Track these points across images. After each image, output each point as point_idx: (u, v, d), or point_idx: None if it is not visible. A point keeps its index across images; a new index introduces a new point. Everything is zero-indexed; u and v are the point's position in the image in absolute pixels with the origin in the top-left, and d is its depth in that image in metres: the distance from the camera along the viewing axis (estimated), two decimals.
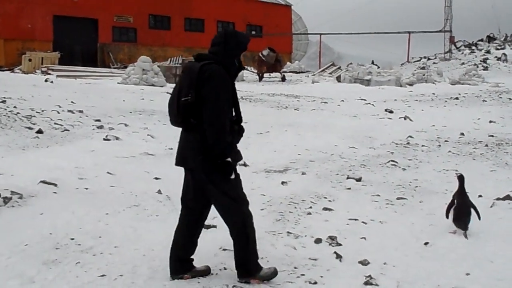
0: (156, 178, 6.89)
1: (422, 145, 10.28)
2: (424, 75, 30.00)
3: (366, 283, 3.89)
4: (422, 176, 7.65)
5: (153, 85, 21.25)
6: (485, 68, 38.54)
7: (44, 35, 34.29)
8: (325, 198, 6.33)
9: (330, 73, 32.45)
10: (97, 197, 5.87)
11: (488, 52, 45.62)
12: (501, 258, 4.40)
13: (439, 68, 35.68)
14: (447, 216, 5.24)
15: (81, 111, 11.64)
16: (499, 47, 47.56)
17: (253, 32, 46.25)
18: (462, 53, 47.20)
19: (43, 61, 28.31)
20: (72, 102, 12.99)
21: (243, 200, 3.80)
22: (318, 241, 4.77)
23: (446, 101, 19.02)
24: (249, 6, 46.39)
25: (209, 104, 3.58)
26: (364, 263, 4.28)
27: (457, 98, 19.74)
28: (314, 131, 11.70)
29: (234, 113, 3.80)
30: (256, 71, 31.02)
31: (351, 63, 36.29)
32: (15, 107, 11.12)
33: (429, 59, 46.84)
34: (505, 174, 7.83)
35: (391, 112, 15.58)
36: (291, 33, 51.76)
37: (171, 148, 8.96)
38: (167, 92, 18.26)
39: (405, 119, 14.08)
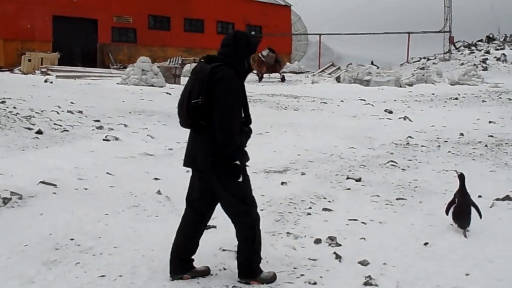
0: (156, 179, 6.89)
1: (422, 146, 10.28)
2: (423, 75, 30.00)
3: (365, 284, 3.89)
4: (422, 177, 7.65)
5: (152, 85, 21.22)
6: (485, 69, 38.56)
7: (44, 36, 34.29)
8: (324, 198, 6.33)
9: (329, 74, 32.44)
10: (97, 198, 5.87)
11: (487, 52, 45.65)
12: (501, 258, 4.40)
13: (438, 69, 35.68)
14: (447, 213, 5.29)
15: (80, 112, 11.63)
16: (498, 48, 47.59)
17: (253, 33, 46.28)
18: (462, 53, 47.23)
19: (43, 61, 28.28)
20: (71, 102, 12.98)
21: (252, 202, 3.81)
22: (317, 241, 4.77)
23: (445, 102, 19.02)
24: (248, 7, 46.39)
25: (219, 106, 3.57)
26: (363, 263, 4.28)
27: (456, 99, 19.74)
28: (313, 131, 11.71)
29: (243, 114, 3.79)
30: (255, 71, 31.06)
31: (350, 64, 36.30)
32: (14, 107, 11.11)
33: (428, 59, 46.87)
34: (505, 175, 7.83)
35: (390, 112, 15.59)
36: (291, 33, 51.78)
37: (171, 149, 8.97)
38: (167, 93, 18.27)
39: (404, 119, 14.08)
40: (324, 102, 18.12)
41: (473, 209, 5.22)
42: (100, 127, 10.21)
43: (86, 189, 6.21)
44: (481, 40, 52.29)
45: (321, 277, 4.00)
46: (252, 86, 25.40)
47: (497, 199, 6.21)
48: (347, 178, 7.31)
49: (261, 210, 5.60)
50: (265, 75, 30.73)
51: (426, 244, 4.78)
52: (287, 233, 4.98)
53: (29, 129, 9.27)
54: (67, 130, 9.70)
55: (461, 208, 5.20)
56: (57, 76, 23.23)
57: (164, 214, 5.47)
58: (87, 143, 8.72)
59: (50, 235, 4.63)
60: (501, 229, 5.22)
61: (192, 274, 3.90)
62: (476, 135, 11.61)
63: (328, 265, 4.25)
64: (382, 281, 3.94)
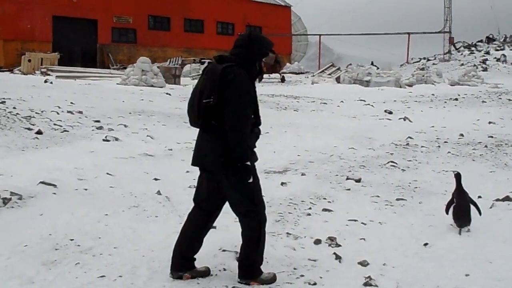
0: (156, 179, 6.89)
1: (422, 146, 10.29)
2: (423, 76, 30.01)
3: (365, 284, 3.89)
4: (422, 177, 7.65)
5: (152, 86, 21.24)
6: (485, 69, 38.58)
7: (44, 36, 34.31)
8: (324, 199, 6.34)
9: (329, 74, 32.46)
10: (97, 198, 5.87)
11: (487, 53, 45.68)
12: (501, 258, 4.40)
13: (438, 69, 35.70)
14: (447, 212, 5.31)
15: (80, 112, 11.64)
16: (498, 48, 47.63)
17: None
18: (462, 54, 47.26)
19: (43, 61, 28.29)
20: (71, 103, 12.98)
21: (260, 202, 3.81)
22: (317, 242, 4.77)
23: (445, 102, 19.03)
24: (248, 7, 46.44)
25: (232, 106, 3.56)
26: (363, 264, 4.28)
27: (456, 99, 19.75)
28: (313, 132, 11.71)
29: (253, 116, 3.79)
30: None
31: (350, 64, 36.32)
32: (14, 107, 11.11)
33: (428, 60, 46.90)
34: (505, 175, 7.84)
35: (390, 113, 15.59)
36: (291, 34, 51.80)
37: (171, 149, 8.97)
38: (167, 93, 18.28)
39: (404, 120, 14.08)
40: (324, 103, 18.13)
41: (472, 207, 5.24)
42: (100, 128, 10.21)
43: (86, 189, 6.21)
44: (481, 41, 52.34)
45: (321, 277, 4.00)
46: None
47: (497, 200, 6.21)
48: (347, 178, 7.31)
49: None
50: (264, 76, 30.70)
51: (426, 244, 4.78)
52: (287, 233, 4.99)
53: (29, 129, 9.27)
54: (67, 131, 9.70)
55: (461, 208, 5.22)
56: (57, 77, 23.25)
57: (164, 214, 5.47)
58: (87, 144, 8.72)
59: (50, 235, 4.63)
60: (501, 229, 5.22)
61: (192, 274, 3.89)
62: (476, 136, 11.61)
63: (328, 265, 4.25)
64: (382, 282, 3.94)
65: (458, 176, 5.36)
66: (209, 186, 3.82)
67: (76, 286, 3.70)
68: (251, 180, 3.68)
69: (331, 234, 4.93)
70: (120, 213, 5.39)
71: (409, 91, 24.16)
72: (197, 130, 3.82)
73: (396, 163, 8.50)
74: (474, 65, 38.40)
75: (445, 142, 10.91)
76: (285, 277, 3.98)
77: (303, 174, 7.64)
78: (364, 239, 4.91)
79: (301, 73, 37.84)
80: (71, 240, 4.55)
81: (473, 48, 49.15)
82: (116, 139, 9.18)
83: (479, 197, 6.27)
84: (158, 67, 23.93)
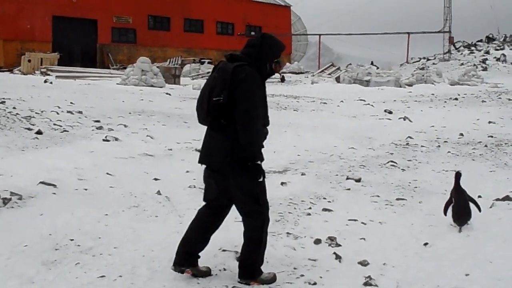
0: (156, 179, 6.89)
1: (422, 146, 10.29)
2: (423, 75, 30.04)
3: (365, 284, 3.89)
4: (422, 177, 7.65)
5: (152, 86, 21.25)
6: (484, 69, 38.62)
7: (43, 36, 34.32)
8: (324, 198, 6.33)
9: (329, 74, 32.47)
10: (97, 198, 5.87)
11: (487, 52, 45.72)
12: (501, 258, 4.40)
13: (438, 69, 35.74)
14: (445, 213, 5.31)
15: (80, 112, 11.64)
16: (498, 48, 47.68)
17: (253, 33, 46.29)
18: (461, 53, 47.32)
19: (42, 61, 28.30)
20: (71, 103, 12.98)
21: (265, 203, 3.82)
22: (317, 241, 4.77)
23: (445, 102, 19.04)
24: (248, 7, 46.44)
25: (243, 106, 3.56)
26: (363, 263, 4.28)
27: (456, 99, 19.76)
28: (313, 131, 11.71)
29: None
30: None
31: (350, 64, 36.37)
32: (14, 107, 11.11)
33: (428, 59, 46.95)
34: (505, 175, 7.84)
35: (390, 112, 15.60)
36: (291, 33, 51.80)
37: (171, 149, 8.97)
38: (166, 93, 18.29)
39: (404, 119, 14.09)
40: (324, 103, 18.13)
41: (472, 205, 5.26)
42: (100, 128, 10.21)
43: (86, 189, 6.21)
44: (480, 41, 52.38)
45: (321, 277, 4.00)
46: None
47: (497, 199, 6.21)
48: (347, 178, 7.31)
49: None
50: None
51: (426, 244, 4.77)
52: (287, 233, 4.98)
53: (29, 129, 9.27)
54: (67, 131, 9.70)
55: (460, 207, 5.24)
56: (56, 77, 23.25)
57: (164, 214, 5.47)
58: (87, 144, 8.72)
59: (50, 235, 4.63)
60: (501, 229, 5.21)
61: (194, 270, 3.88)
62: (475, 136, 11.61)
63: (328, 265, 4.25)
64: (382, 281, 3.94)
65: (457, 175, 5.37)
66: (218, 186, 3.82)
67: (76, 286, 3.70)
68: (261, 180, 3.69)
69: (331, 234, 4.93)
70: (120, 213, 5.39)
71: (409, 91, 24.17)
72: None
73: (396, 163, 8.50)
74: (474, 65, 38.46)
75: (445, 141, 10.91)
76: (285, 277, 3.98)
77: (303, 174, 7.64)
78: (364, 239, 4.91)
79: (301, 73, 37.85)
80: (71, 240, 4.54)
81: (473, 48, 49.20)
82: (116, 139, 9.18)
83: (479, 196, 6.27)
84: (158, 67, 23.94)
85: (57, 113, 11.12)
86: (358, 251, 4.55)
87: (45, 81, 19.25)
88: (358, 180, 7.21)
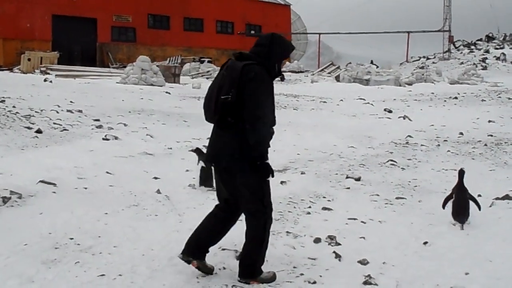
0: (155, 178, 6.89)
1: (421, 145, 10.29)
2: (423, 74, 30.06)
3: (365, 283, 3.89)
4: (421, 176, 7.65)
5: (152, 84, 21.25)
6: (484, 68, 38.63)
7: (43, 35, 34.27)
8: (324, 197, 6.34)
9: (329, 73, 32.47)
10: (96, 197, 5.87)
11: (487, 51, 45.74)
12: (500, 257, 4.40)
13: (438, 68, 35.75)
14: (443, 207, 5.37)
15: (80, 111, 11.64)
16: (498, 47, 47.68)
17: (252, 32, 46.29)
18: (461, 52, 47.32)
19: (42, 60, 28.27)
20: (71, 101, 12.98)
21: (269, 203, 3.81)
22: (317, 240, 4.77)
23: (445, 101, 19.04)
24: (248, 6, 46.37)
25: (253, 105, 3.55)
26: (363, 262, 4.28)
27: (456, 98, 19.76)
28: (313, 130, 11.71)
29: None
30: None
31: (350, 63, 36.36)
32: (14, 106, 11.12)
33: (428, 58, 46.96)
34: (504, 174, 7.84)
35: (390, 111, 15.60)
36: (290, 32, 51.76)
37: (170, 148, 8.97)
38: (166, 92, 18.29)
39: (404, 118, 14.09)
40: (324, 101, 18.13)
41: (472, 204, 5.30)
42: (100, 126, 10.21)
43: (85, 188, 6.21)
44: (480, 39, 52.38)
45: (320, 276, 4.00)
46: None
47: (497, 198, 6.21)
48: (347, 177, 7.31)
49: None
50: None
51: (425, 243, 4.78)
52: (287, 232, 4.98)
53: (29, 128, 9.27)
54: (67, 129, 9.70)
55: (460, 205, 5.28)
56: (56, 75, 23.25)
57: (163, 213, 5.47)
58: (87, 142, 8.72)
59: (50, 234, 4.63)
60: (500, 228, 5.22)
61: (199, 264, 3.89)
62: (475, 134, 11.62)
63: (328, 264, 4.25)
64: (382, 280, 3.94)
65: (461, 173, 5.39)
66: (226, 185, 3.83)
67: (75, 285, 3.70)
68: (270, 179, 3.69)
69: (330, 232, 4.93)
70: (119, 212, 5.39)
71: (408, 90, 24.18)
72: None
73: (396, 162, 8.50)
74: (474, 64, 38.48)
75: (445, 140, 10.91)
76: (285, 276, 3.98)
77: (302, 173, 7.64)
78: (363, 237, 4.91)
79: (301, 71, 37.86)
80: (71, 239, 4.54)
81: (472, 47, 49.20)
82: (116, 138, 9.18)
83: (479, 195, 6.26)
84: (157, 66, 23.93)
85: (57, 112, 11.13)
86: (357, 250, 4.55)
87: (45, 80, 19.25)
88: (358, 179, 7.21)
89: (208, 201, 5.98)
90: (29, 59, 27.83)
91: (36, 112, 10.84)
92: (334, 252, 4.47)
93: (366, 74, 28.58)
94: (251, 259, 3.82)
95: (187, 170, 7.16)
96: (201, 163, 6.42)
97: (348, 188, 6.82)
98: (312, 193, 6.48)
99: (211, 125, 3.86)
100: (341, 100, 18.52)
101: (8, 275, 3.78)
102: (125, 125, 10.61)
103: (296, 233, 4.95)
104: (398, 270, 4.16)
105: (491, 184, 7.12)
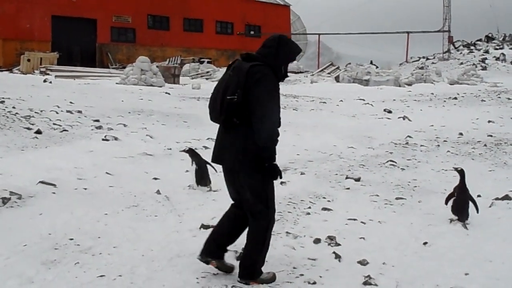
0: (155, 179, 6.89)
1: (421, 145, 10.30)
2: (422, 75, 30.05)
3: (365, 283, 3.89)
4: (421, 176, 7.66)
5: (151, 85, 21.25)
6: (484, 68, 38.64)
7: (43, 35, 34.28)
8: (324, 198, 6.34)
9: (328, 73, 32.46)
10: (96, 198, 5.87)
11: (486, 52, 45.73)
12: (500, 257, 4.41)
13: (437, 68, 35.76)
14: (446, 203, 5.46)
15: (79, 112, 11.64)
16: (497, 47, 47.68)
17: (252, 32, 46.31)
18: (461, 53, 47.30)
19: (42, 61, 28.29)
20: (70, 102, 12.98)
21: (272, 205, 3.82)
22: (317, 241, 4.77)
23: (444, 101, 19.04)
24: (248, 6, 46.40)
25: (260, 107, 3.55)
26: (363, 263, 4.28)
27: (455, 98, 19.76)
28: (313, 131, 11.71)
29: None
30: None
31: (349, 63, 36.33)
32: (13, 107, 11.11)
33: (427, 59, 46.95)
34: (504, 174, 7.84)
35: (389, 112, 15.60)
36: (290, 33, 51.77)
37: (170, 149, 8.97)
38: (166, 92, 18.28)
39: (403, 119, 14.09)
40: (323, 102, 18.13)
41: (471, 204, 5.38)
42: (99, 127, 10.21)
43: (85, 189, 6.21)
44: (480, 40, 52.38)
45: (320, 276, 4.00)
46: None
47: (496, 199, 6.22)
48: (347, 177, 7.31)
49: None
50: None
51: (425, 243, 4.78)
52: (287, 232, 4.98)
53: (29, 129, 9.27)
54: (66, 130, 9.69)
55: (459, 204, 5.37)
56: (56, 76, 23.26)
57: (163, 214, 5.47)
58: (86, 143, 8.71)
59: (50, 235, 4.63)
60: (500, 228, 5.22)
61: (218, 263, 3.91)
62: (475, 135, 11.62)
63: (328, 264, 4.25)
64: (382, 281, 3.94)
65: (462, 173, 5.48)
66: (231, 186, 3.85)
67: (75, 286, 3.70)
68: (280, 180, 3.68)
69: (330, 233, 4.93)
70: (119, 213, 5.39)
71: (408, 90, 24.17)
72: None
73: (396, 162, 8.50)
74: (473, 64, 38.48)
75: (445, 141, 10.91)
76: (285, 276, 3.98)
77: (302, 173, 7.64)
78: (363, 238, 4.91)
79: (300, 72, 37.87)
80: (71, 239, 4.54)
81: (472, 47, 49.19)
82: (116, 138, 9.18)
83: (479, 196, 6.28)
84: (157, 66, 23.93)
85: (57, 113, 11.12)
86: (357, 251, 4.55)
87: (45, 81, 19.24)
88: (358, 180, 7.21)
89: (208, 201, 5.99)
90: (28, 60, 27.84)
91: (35, 112, 10.84)
92: (334, 252, 4.47)
93: (365, 74, 28.57)
94: (252, 260, 3.82)
95: (187, 171, 7.16)
96: (195, 165, 6.48)
97: (348, 188, 6.82)
98: (311, 194, 6.48)
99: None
100: (341, 100, 18.52)
101: (8, 276, 3.78)
102: (124, 125, 10.61)
103: (296, 234, 4.95)
104: (398, 270, 4.17)
105: (490, 185, 7.13)
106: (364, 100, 18.60)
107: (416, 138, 11.17)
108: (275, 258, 4.29)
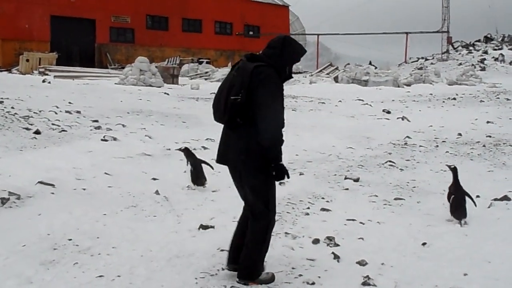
0: (154, 179, 6.88)
1: (420, 146, 10.30)
2: (421, 75, 30.06)
3: (364, 284, 3.89)
4: (420, 177, 7.66)
5: (150, 85, 21.24)
6: (483, 69, 38.67)
7: (42, 36, 34.27)
8: (322, 198, 6.34)
9: (327, 74, 32.45)
10: (95, 198, 5.87)
11: (485, 52, 45.79)
12: (499, 258, 4.41)
13: (436, 69, 35.77)
14: (449, 200, 5.53)
15: (78, 112, 11.63)
16: (496, 48, 47.75)
17: (251, 33, 46.31)
18: (460, 53, 47.37)
19: (41, 61, 28.27)
20: (69, 102, 12.97)
21: (273, 207, 3.82)
22: (316, 241, 4.77)
23: (443, 102, 19.06)
24: (246, 7, 46.40)
25: (264, 108, 3.54)
26: (362, 263, 4.28)
27: (454, 99, 19.78)
28: (311, 131, 11.71)
29: None
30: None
31: (348, 64, 36.33)
32: (12, 107, 11.10)
33: (426, 59, 46.99)
34: (503, 175, 7.85)
35: (388, 112, 15.61)
36: (289, 33, 51.76)
37: (169, 149, 8.96)
38: (165, 93, 18.28)
39: (402, 119, 14.10)
40: (322, 102, 18.13)
41: (468, 199, 5.47)
42: (98, 127, 10.20)
43: (84, 189, 6.21)
44: (479, 40, 52.46)
45: (319, 277, 4.00)
46: None
47: (495, 199, 6.22)
48: (345, 178, 7.31)
49: None
50: None
51: (424, 244, 4.78)
52: (285, 233, 4.98)
53: (27, 129, 9.26)
54: (65, 130, 9.69)
55: (458, 201, 5.42)
56: (55, 76, 23.24)
57: (162, 214, 5.47)
58: (85, 143, 8.71)
59: (48, 235, 4.62)
60: (499, 228, 5.23)
61: None
62: (474, 135, 11.63)
63: (326, 265, 4.25)
64: (380, 281, 3.94)
65: (454, 171, 5.50)
66: (236, 185, 3.85)
67: (74, 286, 3.70)
68: (287, 180, 3.68)
69: (329, 233, 4.93)
70: (118, 213, 5.38)
71: (407, 91, 24.19)
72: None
73: (394, 163, 8.51)
74: (472, 65, 38.51)
75: (443, 141, 10.92)
76: (284, 277, 3.98)
77: (301, 174, 7.64)
78: (362, 238, 4.91)
79: (299, 72, 37.83)
80: (69, 240, 4.54)
81: (471, 48, 49.27)
82: (114, 138, 9.17)
83: (477, 196, 6.28)
84: (156, 66, 23.94)
85: (55, 113, 11.11)
86: (356, 251, 4.55)
87: (43, 81, 19.23)
88: (357, 180, 7.21)
89: (207, 202, 5.99)
90: (27, 60, 27.82)
91: (34, 113, 10.83)
92: (332, 253, 4.47)
93: (364, 75, 28.57)
94: (251, 260, 3.82)
95: (184, 171, 7.15)
96: (190, 165, 6.50)
97: (347, 189, 6.82)
98: (310, 194, 6.48)
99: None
100: (340, 101, 18.52)
101: (7, 276, 3.78)
102: (123, 126, 10.61)
103: (294, 234, 4.95)
104: (397, 271, 4.17)
105: (489, 185, 7.13)
106: (363, 100, 18.60)
107: (415, 138, 11.18)
108: (274, 258, 4.29)
